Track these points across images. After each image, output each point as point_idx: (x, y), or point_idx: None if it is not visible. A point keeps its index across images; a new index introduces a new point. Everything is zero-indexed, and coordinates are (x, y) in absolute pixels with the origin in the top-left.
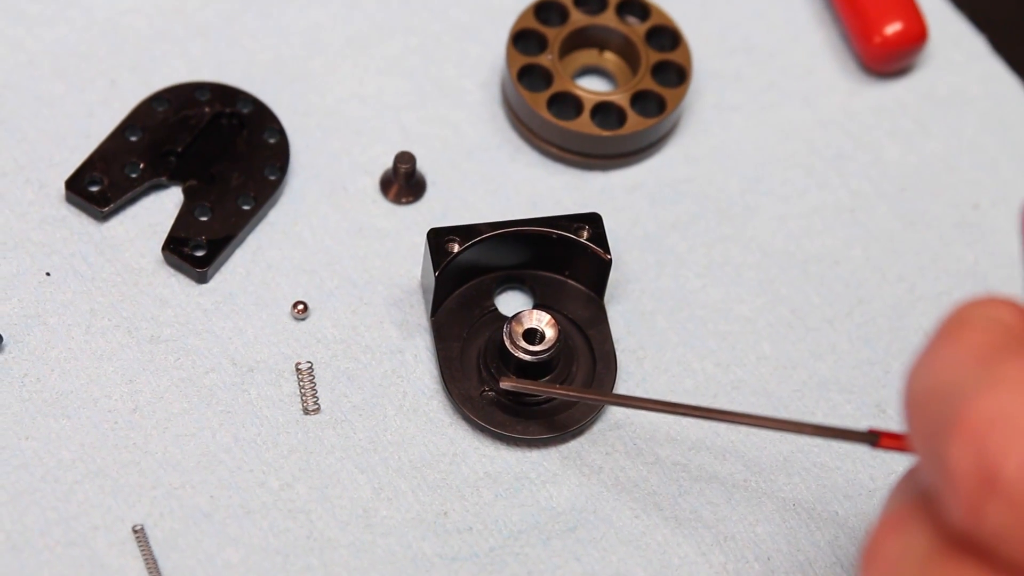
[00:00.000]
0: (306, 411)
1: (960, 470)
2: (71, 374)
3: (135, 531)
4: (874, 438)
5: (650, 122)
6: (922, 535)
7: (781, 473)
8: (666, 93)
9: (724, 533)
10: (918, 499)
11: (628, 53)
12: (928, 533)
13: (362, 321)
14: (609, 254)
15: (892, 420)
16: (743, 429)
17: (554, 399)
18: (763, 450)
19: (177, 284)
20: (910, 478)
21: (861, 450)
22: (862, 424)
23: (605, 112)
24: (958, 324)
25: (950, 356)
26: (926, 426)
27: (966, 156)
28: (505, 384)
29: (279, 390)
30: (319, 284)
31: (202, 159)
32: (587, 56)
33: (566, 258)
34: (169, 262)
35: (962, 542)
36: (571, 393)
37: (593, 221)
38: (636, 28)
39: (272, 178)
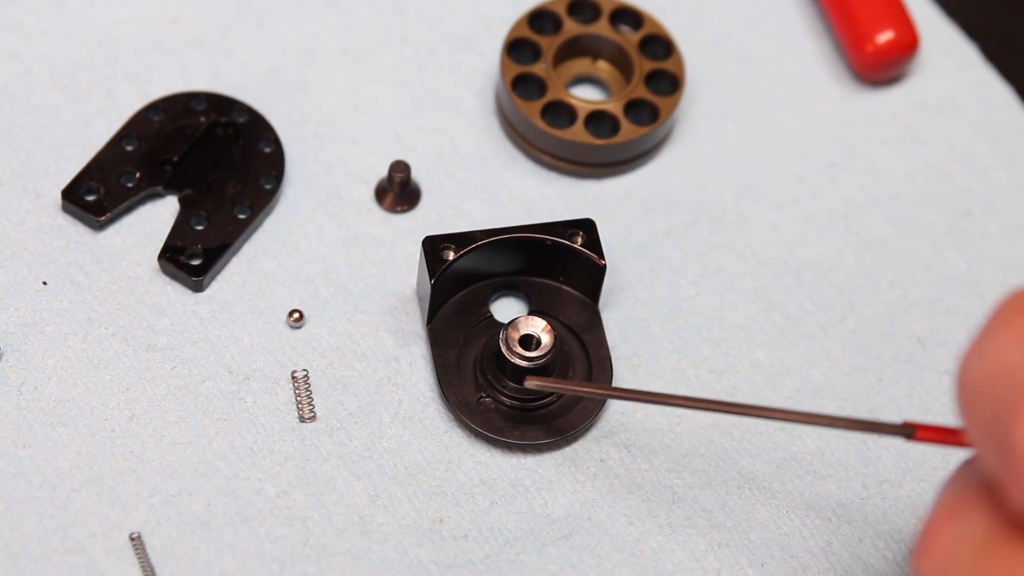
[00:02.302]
0: (302, 419)
1: None
2: (68, 382)
3: (132, 539)
4: (910, 431)
5: (643, 131)
6: (978, 523)
7: (775, 480)
8: (659, 102)
9: (718, 540)
10: (973, 489)
11: (621, 62)
12: (985, 521)
13: (358, 329)
14: (603, 259)
15: None
16: (736, 436)
17: (551, 404)
18: (756, 458)
19: (173, 293)
20: (964, 471)
21: (853, 459)
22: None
23: (599, 121)
24: (1015, 309)
25: (1010, 341)
26: (987, 411)
27: (958, 164)
28: (531, 384)
29: (275, 398)
30: (315, 292)
31: (198, 168)
32: (581, 65)
33: (561, 264)
34: (165, 271)
35: (1021, 527)
36: (597, 391)
37: (587, 227)
38: (629, 37)
39: (268, 187)
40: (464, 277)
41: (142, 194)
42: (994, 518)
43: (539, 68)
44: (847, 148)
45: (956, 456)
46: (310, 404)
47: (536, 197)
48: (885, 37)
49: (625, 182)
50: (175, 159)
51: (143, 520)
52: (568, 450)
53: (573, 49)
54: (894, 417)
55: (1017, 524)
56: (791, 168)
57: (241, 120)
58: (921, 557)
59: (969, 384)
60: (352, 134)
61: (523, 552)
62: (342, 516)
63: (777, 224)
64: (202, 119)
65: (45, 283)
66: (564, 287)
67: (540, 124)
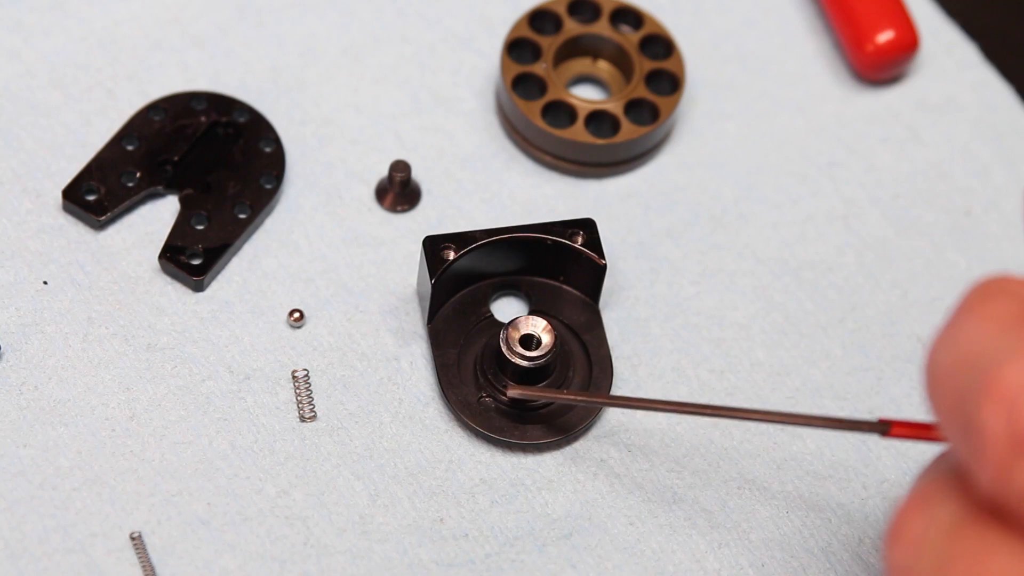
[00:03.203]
0: (302, 418)
1: (991, 433)
2: (68, 382)
3: (133, 538)
4: (885, 427)
5: (644, 130)
6: (947, 510)
7: (775, 481)
8: (660, 101)
9: (718, 540)
10: (944, 478)
11: (622, 62)
12: (954, 507)
13: (358, 329)
14: (604, 259)
15: None
16: (736, 436)
17: (551, 403)
18: (757, 458)
19: (174, 292)
20: (937, 463)
21: (853, 459)
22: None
23: (599, 120)
24: (982, 297)
25: (976, 327)
26: (954, 396)
27: (958, 163)
28: (512, 392)
29: (275, 398)
30: (315, 292)
31: (198, 168)
32: (581, 65)
33: (561, 264)
34: (166, 270)
35: (988, 511)
36: (579, 398)
37: (587, 227)
38: (629, 37)
39: (268, 187)
40: (464, 277)
41: (142, 194)
42: (963, 504)
43: (539, 68)
44: (847, 148)
45: None
46: (310, 404)
47: (536, 197)
48: (885, 37)
49: (625, 182)
50: (175, 159)
51: (143, 519)
52: (568, 450)
53: (573, 49)
54: (894, 416)
55: (985, 509)
56: (791, 168)
57: (241, 120)
58: (891, 545)
59: (936, 371)
60: (352, 134)
61: (523, 552)
62: (342, 516)
63: (777, 224)
64: (202, 119)
65: (46, 283)
66: (564, 287)
67: (540, 124)
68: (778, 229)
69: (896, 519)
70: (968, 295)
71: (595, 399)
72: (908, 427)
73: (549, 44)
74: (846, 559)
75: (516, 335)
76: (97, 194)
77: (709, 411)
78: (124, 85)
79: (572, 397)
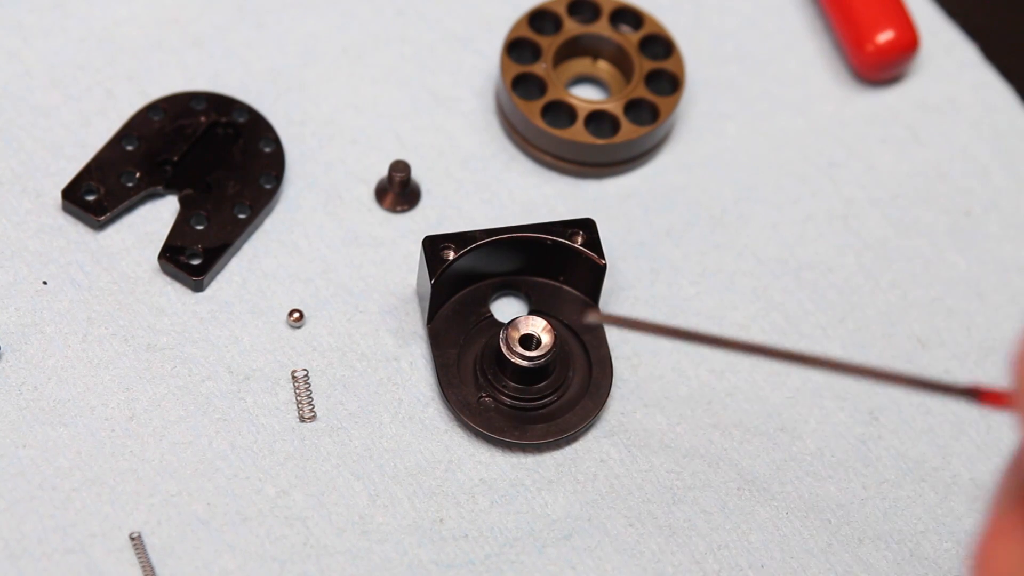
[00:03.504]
0: (302, 419)
1: None
2: (68, 382)
3: (132, 538)
4: (975, 394)
5: (643, 130)
6: None
7: (774, 482)
8: (659, 101)
9: (718, 541)
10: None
11: (621, 62)
12: None
13: (358, 329)
14: (603, 259)
15: (884, 427)
16: (736, 436)
17: (550, 404)
18: (756, 459)
19: (173, 292)
20: (1011, 476)
21: (853, 459)
22: (856, 431)
23: (599, 120)
24: None
25: None
26: None
27: (958, 164)
28: (592, 318)
29: (275, 398)
30: (315, 292)
31: (198, 168)
32: (581, 65)
33: (561, 264)
34: (165, 271)
35: None
36: (660, 327)
37: (587, 227)
38: (629, 37)
39: (268, 187)
40: (464, 277)
41: (142, 194)
42: None
43: (539, 68)
44: (847, 148)
45: (954, 458)
46: (310, 404)
47: (536, 197)
48: (885, 37)
49: (625, 182)
50: (175, 159)
51: (143, 520)
52: (568, 450)
53: (573, 49)
54: (894, 416)
55: None
56: (791, 168)
57: (241, 120)
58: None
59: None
60: (352, 134)
61: (523, 552)
62: (342, 516)
63: (777, 224)
64: (202, 119)
65: (45, 283)
66: (564, 287)
67: (540, 124)
68: (778, 229)
69: (981, 548)
70: None
71: (671, 332)
72: (1000, 398)
73: (549, 44)
74: (846, 559)
75: (516, 335)
76: (97, 194)
77: (781, 356)
78: (124, 85)
79: (655, 327)
